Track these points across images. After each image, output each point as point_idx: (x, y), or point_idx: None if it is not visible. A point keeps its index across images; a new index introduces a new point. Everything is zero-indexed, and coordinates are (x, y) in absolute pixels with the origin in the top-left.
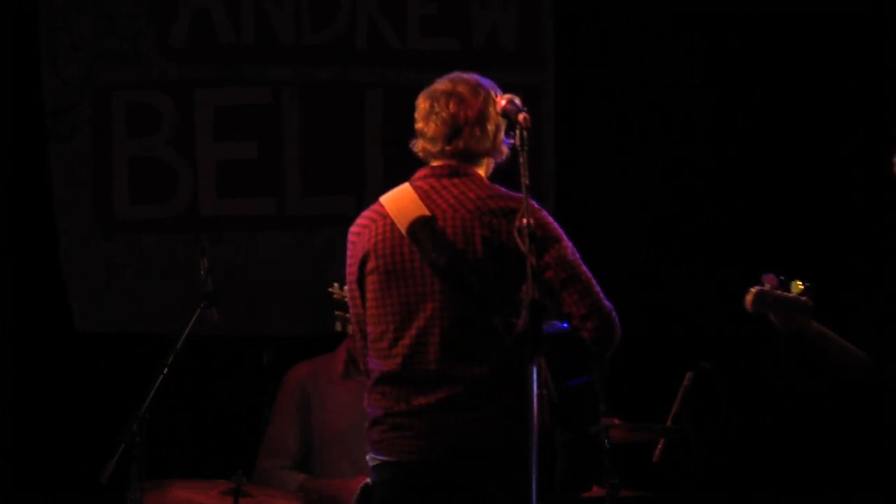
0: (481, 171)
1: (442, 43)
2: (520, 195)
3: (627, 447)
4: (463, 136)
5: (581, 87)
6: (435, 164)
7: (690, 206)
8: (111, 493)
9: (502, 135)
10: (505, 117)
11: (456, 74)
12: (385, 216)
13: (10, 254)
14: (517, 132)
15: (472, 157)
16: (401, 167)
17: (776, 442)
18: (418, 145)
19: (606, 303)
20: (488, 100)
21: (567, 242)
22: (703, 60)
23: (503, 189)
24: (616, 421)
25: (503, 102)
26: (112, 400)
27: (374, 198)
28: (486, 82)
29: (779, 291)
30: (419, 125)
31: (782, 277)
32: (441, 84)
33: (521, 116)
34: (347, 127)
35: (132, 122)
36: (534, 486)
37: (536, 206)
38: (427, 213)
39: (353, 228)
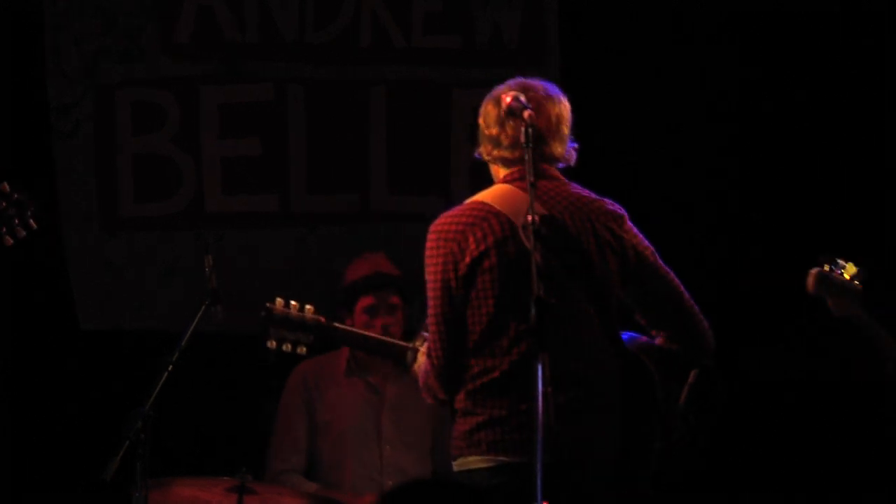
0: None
1: (445, 40)
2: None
3: None
4: (545, 142)
5: (586, 85)
6: (513, 169)
7: (697, 203)
8: (115, 491)
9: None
10: (510, 114)
11: (522, 80)
12: (497, 213)
13: (14, 251)
14: (523, 129)
15: (552, 162)
16: (404, 164)
17: (777, 440)
18: (488, 150)
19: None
20: (561, 106)
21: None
22: (710, 59)
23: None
24: None
25: (508, 99)
26: (116, 397)
27: (378, 194)
28: (554, 88)
29: (837, 273)
30: (491, 131)
31: (839, 260)
32: (511, 89)
33: (526, 113)
34: (351, 124)
35: (136, 120)
36: (539, 483)
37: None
38: (545, 211)
39: (448, 226)
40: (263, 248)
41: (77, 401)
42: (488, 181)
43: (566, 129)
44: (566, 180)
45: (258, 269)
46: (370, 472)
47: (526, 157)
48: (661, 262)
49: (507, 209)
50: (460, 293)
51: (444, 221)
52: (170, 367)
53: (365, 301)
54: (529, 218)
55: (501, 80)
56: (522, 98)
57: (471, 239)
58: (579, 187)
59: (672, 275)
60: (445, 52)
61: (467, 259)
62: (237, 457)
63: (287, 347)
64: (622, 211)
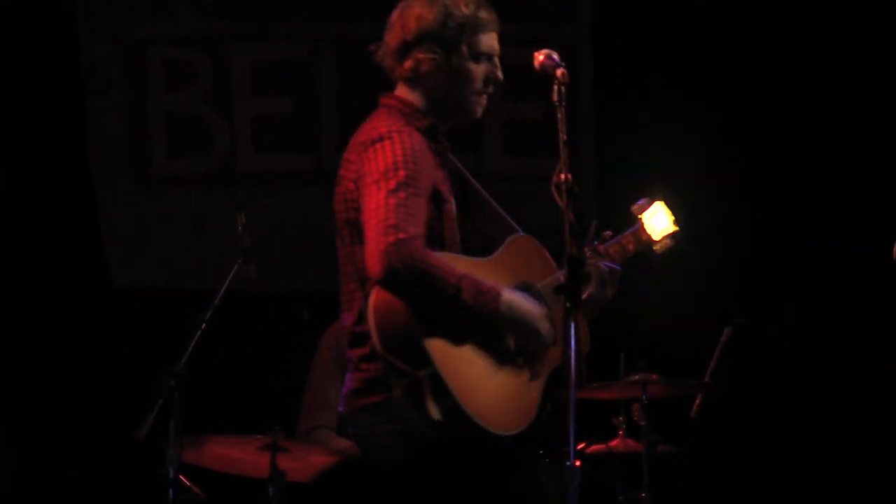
0: (413, 98)
1: None
2: (385, 123)
3: (665, 403)
4: (380, 53)
5: (618, 43)
6: None
7: (728, 161)
8: (149, 449)
9: (425, 55)
10: (543, 73)
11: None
12: None
13: (48, 210)
14: (555, 87)
15: (395, 79)
16: None
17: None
18: None
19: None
20: (413, 13)
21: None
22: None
23: (384, 119)
24: (654, 377)
25: (541, 57)
26: (150, 355)
27: None
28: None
29: None
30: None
31: None
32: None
33: (559, 72)
34: (383, 81)
35: (168, 78)
36: (572, 441)
37: (384, 135)
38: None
39: None
40: (296, 206)
41: (110, 358)
42: (521, 138)
43: (393, 42)
44: (385, 111)
45: (291, 228)
46: None
47: (558, 116)
48: (375, 186)
49: None
50: None
51: None
52: (203, 326)
53: None
54: (563, 176)
55: (535, 36)
56: (555, 56)
57: None
58: (378, 118)
59: (376, 198)
60: None
61: None
62: (270, 415)
63: None
64: (374, 134)
